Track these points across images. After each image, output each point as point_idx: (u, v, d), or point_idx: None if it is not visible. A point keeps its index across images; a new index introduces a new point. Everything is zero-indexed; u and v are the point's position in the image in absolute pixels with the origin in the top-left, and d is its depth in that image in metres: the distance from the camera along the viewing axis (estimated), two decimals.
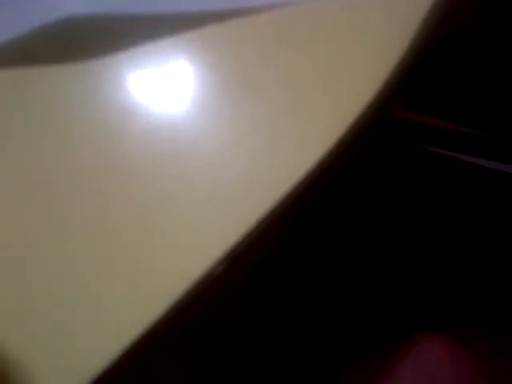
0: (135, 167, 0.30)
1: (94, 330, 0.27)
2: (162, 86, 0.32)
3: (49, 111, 0.31)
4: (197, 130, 0.31)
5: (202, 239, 0.29)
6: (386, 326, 0.72)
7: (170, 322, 0.27)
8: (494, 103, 0.68)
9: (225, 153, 0.30)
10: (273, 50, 0.33)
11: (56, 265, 0.28)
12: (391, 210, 0.78)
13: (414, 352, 0.52)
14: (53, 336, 0.27)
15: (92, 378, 0.26)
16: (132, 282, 0.28)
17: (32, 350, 0.26)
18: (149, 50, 0.32)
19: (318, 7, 0.33)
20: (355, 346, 0.69)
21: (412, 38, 0.31)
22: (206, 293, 0.28)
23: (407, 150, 0.77)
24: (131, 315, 0.27)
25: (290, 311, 0.68)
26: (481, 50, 0.65)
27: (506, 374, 0.66)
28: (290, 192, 0.29)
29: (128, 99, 0.31)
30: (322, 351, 0.68)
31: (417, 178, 0.78)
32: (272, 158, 0.30)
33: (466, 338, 0.69)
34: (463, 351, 0.63)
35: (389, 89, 0.30)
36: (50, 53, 0.31)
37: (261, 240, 0.29)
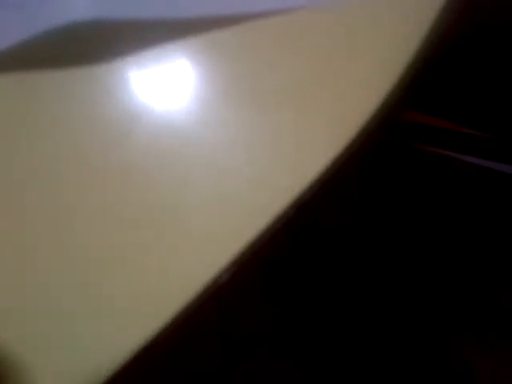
0: (140, 170, 0.30)
1: (96, 333, 0.27)
2: (166, 90, 0.32)
3: (55, 114, 0.30)
4: (202, 134, 0.31)
5: (207, 244, 0.29)
6: (390, 326, 0.72)
7: (176, 328, 0.27)
8: (497, 105, 0.68)
9: (231, 158, 0.30)
10: (278, 56, 0.33)
11: (59, 266, 0.28)
12: (392, 209, 0.78)
13: None
14: (54, 337, 0.27)
15: (94, 381, 0.26)
16: (136, 286, 0.28)
17: (32, 350, 0.26)
18: (153, 55, 0.32)
19: (325, 13, 0.33)
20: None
21: (419, 43, 0.31)
22: (212, 299, 0.28)
23: (407, 149, 0.77)
24: (134, 320, 0.27)
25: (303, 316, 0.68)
26: (484, 53, 0.65)
27: (506, 375, 0.66)
28: (298, 197, 0.29)
29: (133, 103, 0.31)
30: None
31: (419, 179, 0.78)
32: (279, 163, 0.30)
33: (470, 341, 0.69)
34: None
35: (395, 95, 0.30)
36: (55, 57, 0.31)
37: (268, 245, 0.29)
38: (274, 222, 0.29)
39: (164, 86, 0.32)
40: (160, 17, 0.32)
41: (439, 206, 0.77)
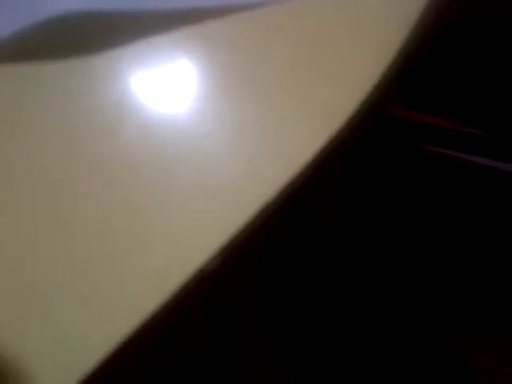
0: (133, 162, 0.30)
1: (88, 328, 0.27)
2: (160, 81, 0.32)
3: (47, 107, 0.31)
4: (195, 125, 0.31)
5: (198, 233, 0.29)
6: (388, 325, 0.72)
7: (164, 319, 0.27)
8: (494, 102, 0.68)
9: (222, 148, 0.30)
10: (271, 46, 0.33)
11: (52, 264, 0.28)
12: (392, 208, 0.78)
13: None
14: (48, 334, 0.27)
15: (84, 375, 0.26)
16: (126, 279, 0.28)
17: (28, 348, 0.26)
18: (147, 47, 0.32)
19: (316, 3, 0.33)
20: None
21: (408, 33, 0.31)
22: (201, 288, 0.28)
23: (408, 148, 0.77)
24: (126, 311, 0.27)
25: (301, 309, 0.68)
26: (481, 49, 0.65)
27: (506, 373, 0.66)
28: (287, 187, 0.29)
29: (126, 95, 0.31)
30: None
31: (418, 177, 0.78)
32: (270, 153, 0.30)
33: (468, 337, 0.69)
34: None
35: (385, 83, 0.30)
36: (48, 49, 0.31)
37: (258, 234, 0.29)
38: (263, 211, 0.29)
39: (158, 78, 0.32)
40: (153, 8, 0.32)
41: (439, 204, 0.77)
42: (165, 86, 0.32)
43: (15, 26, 0.29)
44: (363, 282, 0.72)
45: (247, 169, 0.30)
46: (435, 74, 0.66)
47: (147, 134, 0.30)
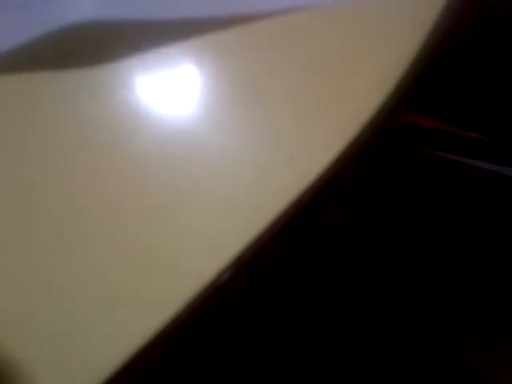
0: (145, 170, 0.30)
1: (98, 333, 0.27)
2: (170, 90, 0.32)
3: (58, 115, 0.31)
4: (206, 134, 0.31)
5: (210, 243, 0.29)
6: (390, 328, 0.72)
7: (177, 327, 0.27)
8: (498, 107, 0.68)
9: (233, 158, 0.30)
10: (281, 57, 0.33)
11: (59, 265, 0.28)
12: (395, 212, 0.78)
13: None
14: (54, 337, 0.26)
15: (96, 380, 0.26)
16: (139, 285, 0.28)
17: (32, 350, 0.26)
18: (157, 56, 0.32)
19: (326, 13, 0.33)
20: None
21: (420, 44, 0.31)
22: (214, 297, 0.28)
23: (411, 153, 0.77)
24: (135, 320, 0.27)
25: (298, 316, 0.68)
26: (487, 54, 0.65)
27: (505, 377, 0.66)
28: (298, 198, 0.29)
29: (137, 104, 0.31)
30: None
31: (421, 182, 0.78)
32: (280, 163, 0.30)
33: (467, 344, 0.69)
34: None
35: (396, 95, 0.30)
36: (59, 57, 0.31)
37: (269, 245, 0.29)
38: (274, 221, 0.29)
39: (166, 87, 0.32)
40: (162, 18, 0.32)
41: (442, 209, 0.77)
42: (173, 95, 0.32)
43: (27, 34, 0.29)
44: (366, 287, 0.72)
45: (258, 180, 0.30)
46: (439, 78, 0.66)
47: (155, 144, 0.30)
